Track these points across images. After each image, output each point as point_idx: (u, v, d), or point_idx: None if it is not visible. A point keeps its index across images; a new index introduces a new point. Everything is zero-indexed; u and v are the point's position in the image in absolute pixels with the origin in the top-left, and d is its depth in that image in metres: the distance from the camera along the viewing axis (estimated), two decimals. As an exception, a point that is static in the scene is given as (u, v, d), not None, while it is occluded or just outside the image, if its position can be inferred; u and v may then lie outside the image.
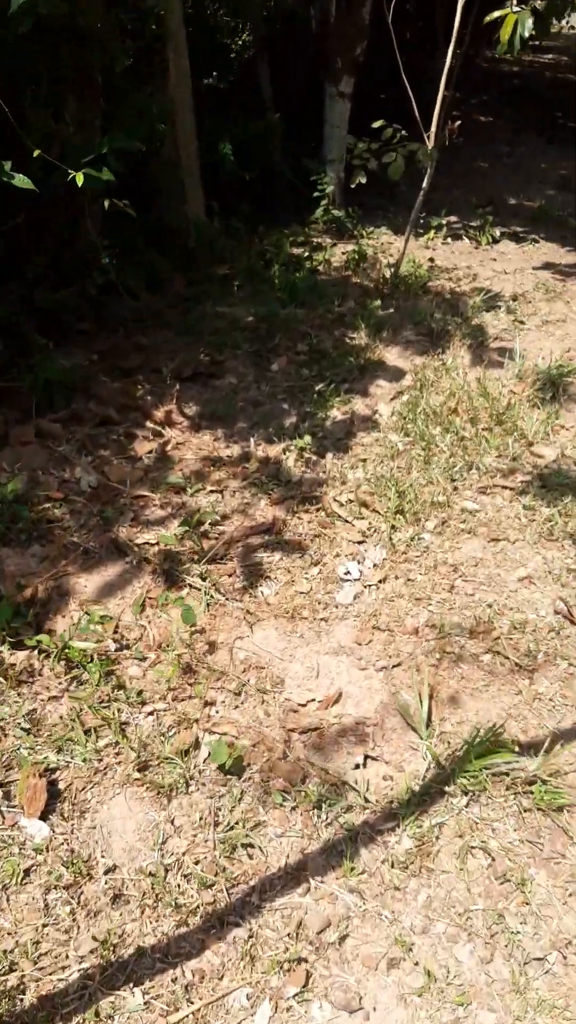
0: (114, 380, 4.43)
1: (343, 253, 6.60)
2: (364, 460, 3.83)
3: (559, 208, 7.95)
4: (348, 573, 3.11)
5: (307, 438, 3.87)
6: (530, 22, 4.88)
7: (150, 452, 3.85)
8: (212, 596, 2.98)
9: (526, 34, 4.88)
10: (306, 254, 6.41)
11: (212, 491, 3.60)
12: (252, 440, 3.99)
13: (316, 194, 7.23)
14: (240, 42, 8.47)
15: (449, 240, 7.27)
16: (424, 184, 5.45)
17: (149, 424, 4.05)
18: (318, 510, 3.49)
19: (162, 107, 5.45)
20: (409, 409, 4.14)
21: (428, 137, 5.19)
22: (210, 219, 6.37)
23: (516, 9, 4.91)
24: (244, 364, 4.66)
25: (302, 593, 3.03)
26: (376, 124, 4.98)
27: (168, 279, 5.68)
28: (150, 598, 2.95)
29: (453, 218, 7.80)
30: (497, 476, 3.71)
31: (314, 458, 3.85)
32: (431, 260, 6.54)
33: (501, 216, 7.91)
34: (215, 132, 6.71)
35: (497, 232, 7.29)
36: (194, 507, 3.45)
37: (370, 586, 3.08)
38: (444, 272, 6.28)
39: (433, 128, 5.18)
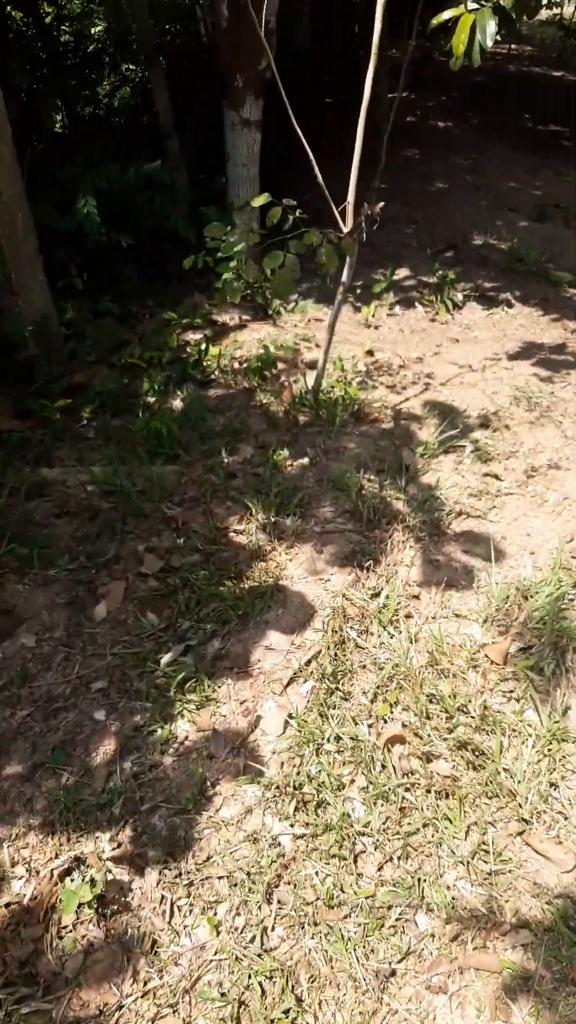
0: None
1: (257, 342, 4.67)
2: (214, 905, 1.95)
3: (537, 249, 6.03)
4: None
5: (108, 848, 2.00)
6: (492, 25, 3.00)
7: None
8: None
9: (488, 43, 3.01)
10: (200, 347, 4.48)
11: None
12: (18, 827, 2.11)
13: (221, 255, 5.25)
14: (105, 51, 6.44)
15: (398, 310, 5.34)
16: (343, 279, 3.52)
17: None
18: None
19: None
20: (307, 739, 2.26)
21: (344, 220, 3.28)
22: (64, 307, 4.43)
23: (472, 6, 3.00)
24: (53, 604, 2.76)
25: None
26: (270, 212, 3.08)
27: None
28: None
29: (404, 272, 5.87)
30: (474, 931, 1.85)
31: (126, 879, 1.98)
32: (369, 353, 4.61)
33: (465, 265, 5.99)
34: (72, 185, 4.75)
35: (459, 294, 5.35)
36: None
37: None
38: (386, 374, 4.36)
39: (349, 213, 3.28)
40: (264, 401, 3.99)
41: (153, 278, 5.60)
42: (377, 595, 2.77)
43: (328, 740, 2.28)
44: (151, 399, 4.02)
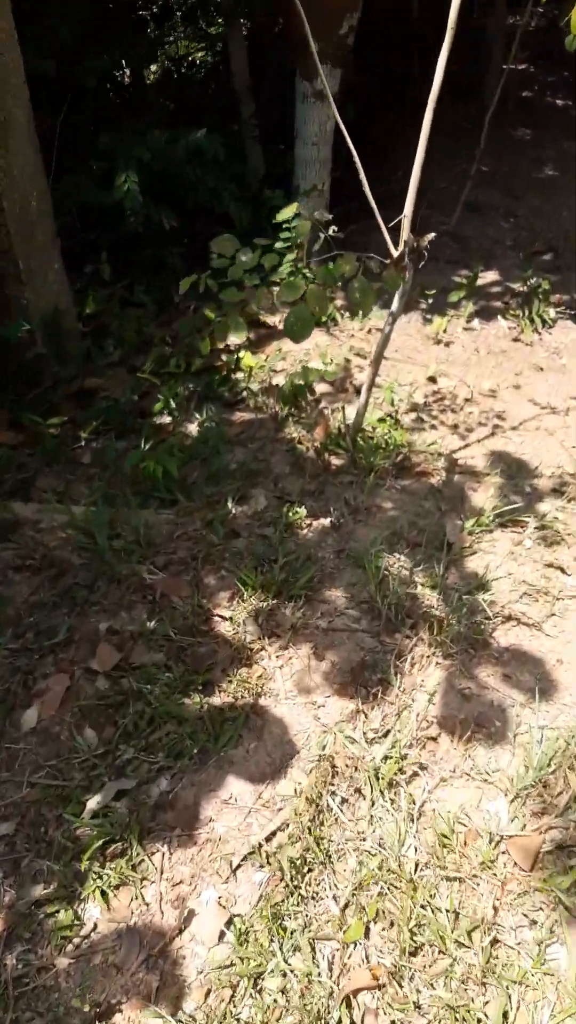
0: None
1: (303, 353, 3.98)
2: None
3: None
4: None
5: None
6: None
7: None
8: None
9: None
10: (239, 356, 3.82)
11: None
12: None
13: (280, 244, 4.55)
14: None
15: (477, 323, 4.53)
16: (393, 307, 2.80)
17: None
18: None
19: None
20: (246, 965, 1.66)
21: (397, 242, 2.56)
22: (87, 298, 3.83)
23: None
24: (-20, 699, 2.19)
25: None
26: (296, 226, 2.41)
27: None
28: None
29: (492, 275, 5.03)
30: None
31: None
32: (431, 380, 3.85)
33: (564, 273, 5.10)
34: (112, 155, 4.11)
35: (552, 310, 4.51)
36: None
37: None
38: (448, 409, 3.61)
39: (404, 231, 2.55)
40: (293, 435, 3.31)
41: (204, 264, 4.93)
42: (382, 738, 2.10)
43: (272, 972, 1.64)
44: (164, 419, 3.39)
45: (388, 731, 2.13)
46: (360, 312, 2.43)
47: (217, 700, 2.20)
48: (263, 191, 4.60)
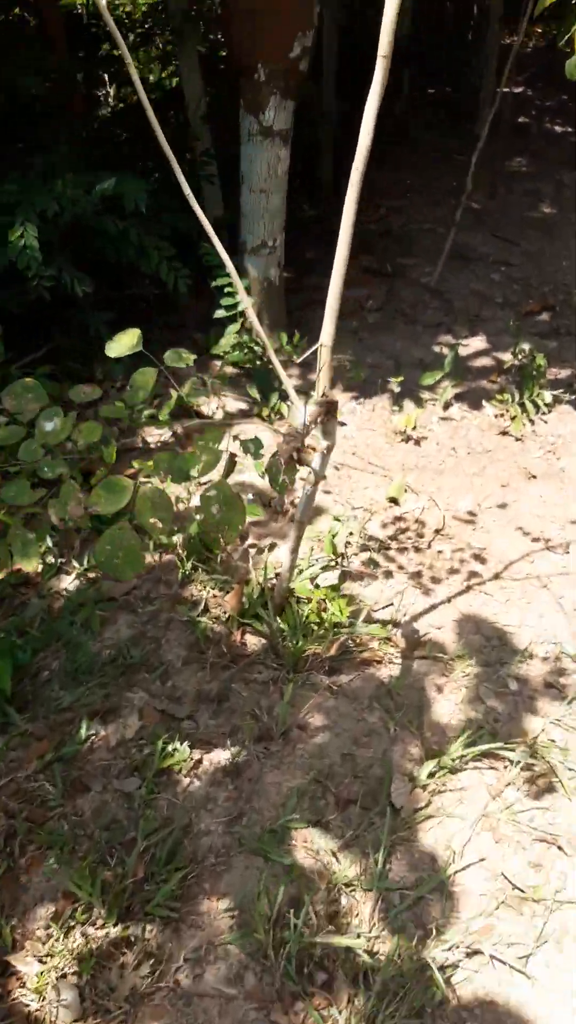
0: None
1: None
2: None
3: None
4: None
5: None
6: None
7: None
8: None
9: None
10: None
11: None
12: None
13: (222, 312, 3.65)
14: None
15: (456, 410, 3.62)
16: (299, 511, 1.88)
17: None
18: None
19: None
20: None
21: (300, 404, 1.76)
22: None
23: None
24: None
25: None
26: (136, 378, 1.52)
27: None
28: None
29: (478, 343, 4.13)
30: None
31: None
32: (393, 501, 2.93)
33: (563, 339, 4.20)
34: (8, 207, 3.23)
35: (548, 393, 3.59)
36: None
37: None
38: (410, 547, 2.70)
39: (322, 380, 1.85)
40: (201, 595, 2.39)
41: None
42: None
43: None
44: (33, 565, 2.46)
45: None
46: (224, 537, 1.48)
47: None
48: (200, 246, 3.69)
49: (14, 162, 3.42)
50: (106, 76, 5.51)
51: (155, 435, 3.30)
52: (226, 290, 3.58)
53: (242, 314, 3.63)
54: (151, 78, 5.84)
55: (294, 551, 2.11)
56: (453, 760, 1.93)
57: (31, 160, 3.39)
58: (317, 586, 2.31)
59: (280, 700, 2.09)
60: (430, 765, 1.91)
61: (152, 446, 3.27)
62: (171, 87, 5.81)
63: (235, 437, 1.87)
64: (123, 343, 1.45)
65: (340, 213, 1.43)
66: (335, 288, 1.47)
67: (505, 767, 1.97)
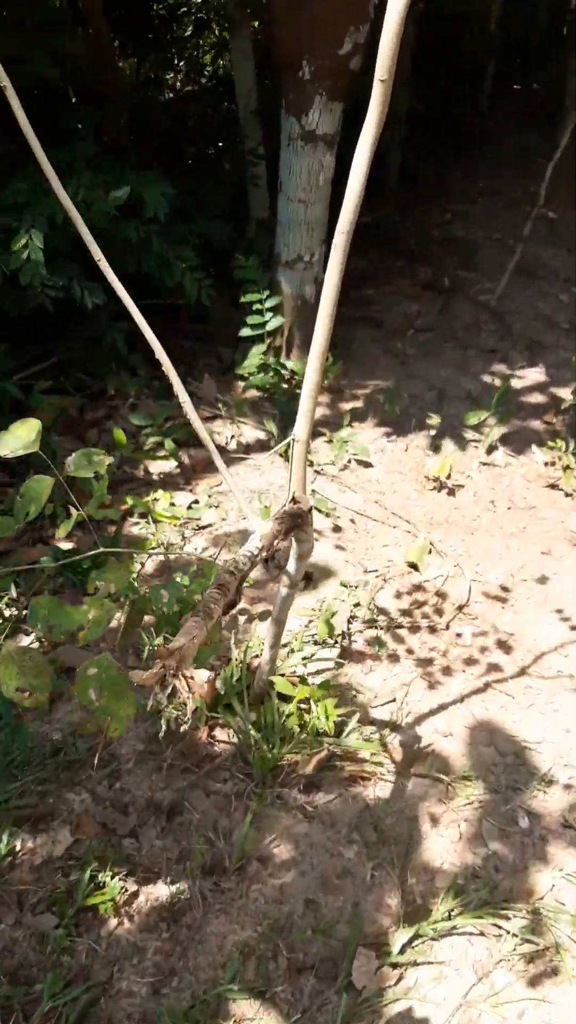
0: None
1: (247, 498, 2.78)
2: None
3: None
4: None
5: None
6: None
7: None
8: None
9: None
10: (153, 499, 2.63)
11: None
12: None
13: (247, 331, 3.34)
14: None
15: (500, 455, 3.23)
16: (288, 579, 1.54)
17: None
18: None
19: None
20: None
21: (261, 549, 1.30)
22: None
23: None
24: None
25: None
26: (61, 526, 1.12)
27: None
28: None
29: (535, 374, 3.71)
30: None
31: None
32: (413, 567, 2.58)
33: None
34: (15, 210, 2.97)
35: (608, 442, 3.16)
36: None
37: None
38: (423, 627, 2.35)
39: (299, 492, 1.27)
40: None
41: (152, 355, 3.72)
42: None
43: None
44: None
45: None
46: (106, 731, 1.12)
47: None
48: (233, 256, 3.36)
49: (29, 157, 3.14)
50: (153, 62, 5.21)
51: (159, 466, 3.01)
52: (254, 307, 3.26)
53: (270, 334, 3.30)
54: (207, 68, 5.52)
55: (273, 647, 1.78)
56: (435, 929, 1.58)
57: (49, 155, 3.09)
58: (304, 680, 1.98)
59: (242, 821, 1.77)
60: (406, 934, 1.57)
61: (154, 477, 2.98)
62: (224, 75, 5.47)
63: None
64: (18, 437, 1.14)
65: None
66: (312, 376, 1.13)
67: (499, 937, 1.61)
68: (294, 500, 1.23)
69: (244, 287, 3.28)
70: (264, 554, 1.08)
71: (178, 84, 5.77)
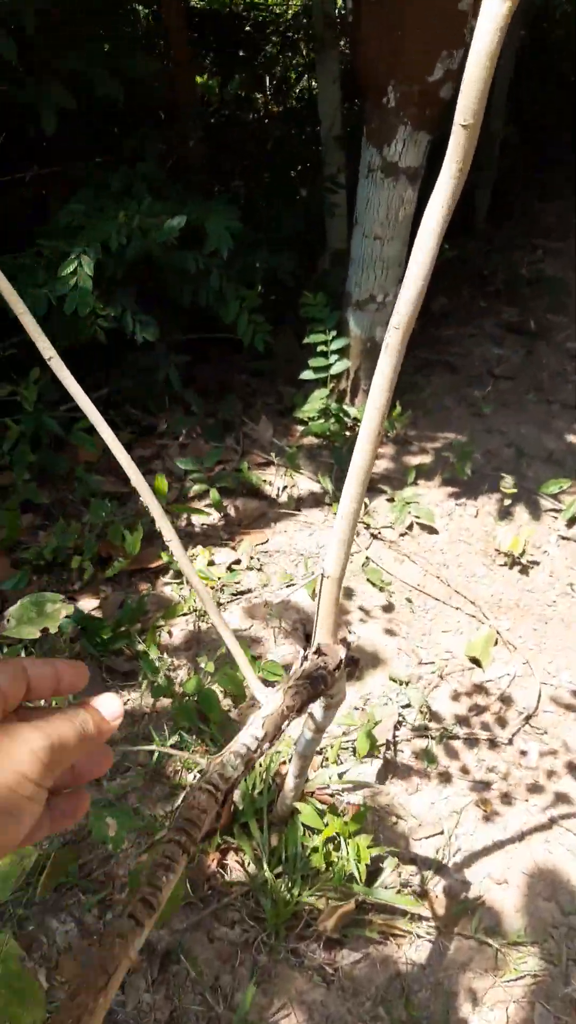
0: None
1: (299, 555, 2.52)
2: None
3: None
4: None
5: None
6: None
7: None
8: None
9: None
10: (190, 556, 2.39)
11: None
12: None
13: (309, 374, 3.09)
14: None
15: (581, 531, 2.88)
16: (316, 726, 1.25)
17: None
18: None
19: None
20: None
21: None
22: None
23: None
24: None
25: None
26: None
27: None
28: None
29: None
30: None
31: None
32: (475, 662, 2.26)
33: None
34: (67, 236, 2.81)
35: None
36: None
37: None
38: (477, 739, 2.02)
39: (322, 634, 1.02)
40: (180, 779, 1.82)
41: (208, 390, 3.50)
42: None
43: None
44: None
45: None
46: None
47: None
48: (302, 292, 3.11)
49: (90, 178, 2.97)
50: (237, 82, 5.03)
51: (202, 517, 2.77)
52: (319, 348, 3.01)
53: (334, 377, 3.04)
54: (295, 89, 5.31)
55: (298, 777, 1.50)
56: None
57: (109, 177, 2.92)
58: (334, 809, 1.68)
59: (248, 980, 1.49)
60: None
61: (196, 529, 2.74)
62: (310, 98, 5.25)
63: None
64: (39, 621, 0.88)
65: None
66: (346, 513, 0.85)
67: None
68: (318, 651, 0.95)
69: (310, 326, 3.03)
70: (267, 745, 0.80)
71: (268, 104, 5.59)
